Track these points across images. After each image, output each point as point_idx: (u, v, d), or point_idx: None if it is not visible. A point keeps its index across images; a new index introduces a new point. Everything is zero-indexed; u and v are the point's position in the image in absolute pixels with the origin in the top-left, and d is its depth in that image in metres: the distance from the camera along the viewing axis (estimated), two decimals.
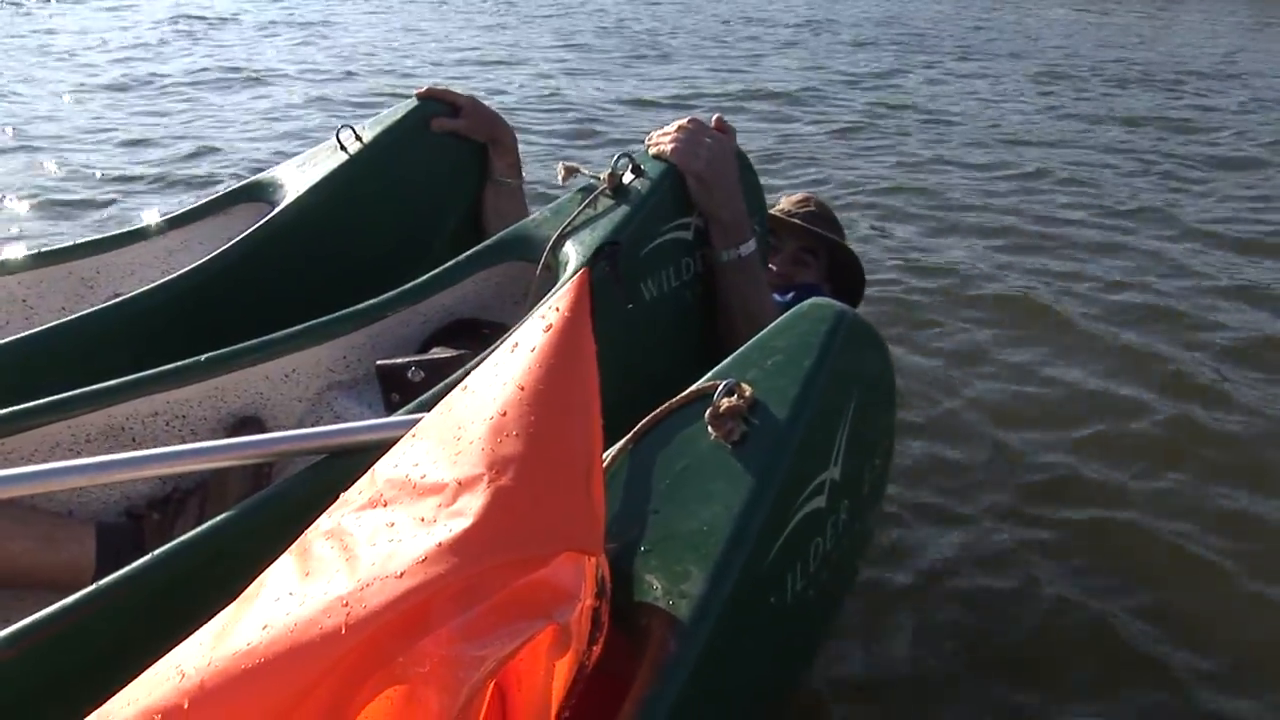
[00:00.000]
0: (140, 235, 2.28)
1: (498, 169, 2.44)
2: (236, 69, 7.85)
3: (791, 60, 8.47)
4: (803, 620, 1.33)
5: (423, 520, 0.93)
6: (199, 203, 2.39)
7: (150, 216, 3.56)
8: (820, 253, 2.47)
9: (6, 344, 1.81)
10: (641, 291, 1.83)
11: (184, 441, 1.70)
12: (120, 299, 1.97)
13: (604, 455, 1.24)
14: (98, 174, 4.98)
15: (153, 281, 2.05)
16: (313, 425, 1.82)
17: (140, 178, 4.93)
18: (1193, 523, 2.33)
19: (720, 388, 1.22)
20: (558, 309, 1.01)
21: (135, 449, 1.62)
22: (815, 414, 1.25)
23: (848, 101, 6.90)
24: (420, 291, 1.88)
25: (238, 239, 2.15)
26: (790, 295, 2.31)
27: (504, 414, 0.95)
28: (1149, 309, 3.50)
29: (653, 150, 1.95)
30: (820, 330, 1.32)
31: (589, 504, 0.96)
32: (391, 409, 1.75)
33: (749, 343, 1.35)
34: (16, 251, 2.30)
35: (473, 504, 0.91)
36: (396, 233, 2.33)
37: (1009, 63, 8.77)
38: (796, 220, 2.45)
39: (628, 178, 1.91)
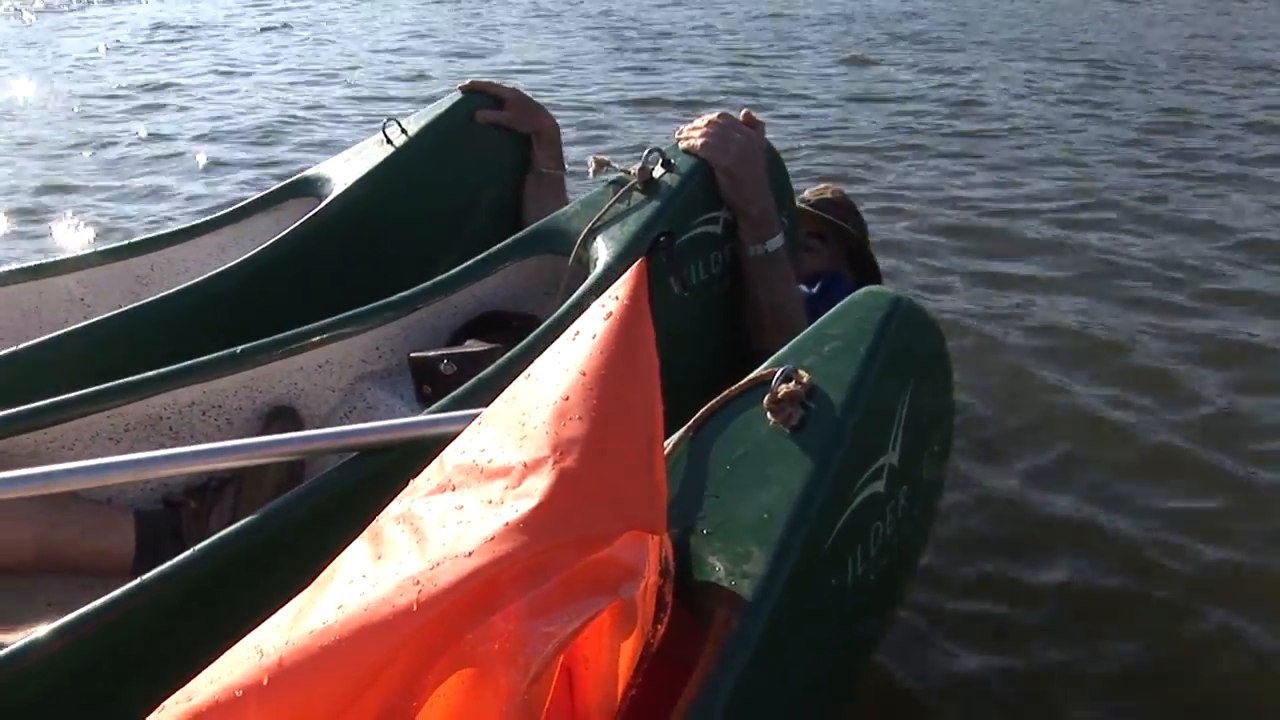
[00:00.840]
0: (193, 233, 2.34)
1: (540, 160, 2.47)
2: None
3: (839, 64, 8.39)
4: (864, 605, 1.34)
5: (490, 502, 0.96)
6: (249, 199, 2.46)
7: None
8: (829, 238, 2.47)
9: (66, 334, 1.88)
10: (671, 285, 1.86)
11: (220, 430, 1.76)
12: (172, 291, 2.03)
13: (666, 443, 1.26)
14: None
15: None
16: (345, 415, 1.87)
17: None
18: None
19: (779, 374, 1.23)
20: (617, 297, 1.03)
21: (172, 438, 1.69)
22: (872, 399, 1.27)
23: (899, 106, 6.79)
24: (452, 284, 1.92)
25: (283, 234, 2.20)
26: (817, 287, 2.33)
27: (567, 399, 0.98)
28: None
29: (683, 145, 1.97)
30: (875, 316, 1.34)
31: (651, 484, 0.98)
32: (424, 401, 1.78)
33: (805, 331, 1.36)
34: (73, 251, 2.35)
35: (538, 485, 0.94)
36: (442, 224, 2.37)
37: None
38: (803, 205, 2.45)
39: (658, 172, 1.93)
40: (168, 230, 2.39)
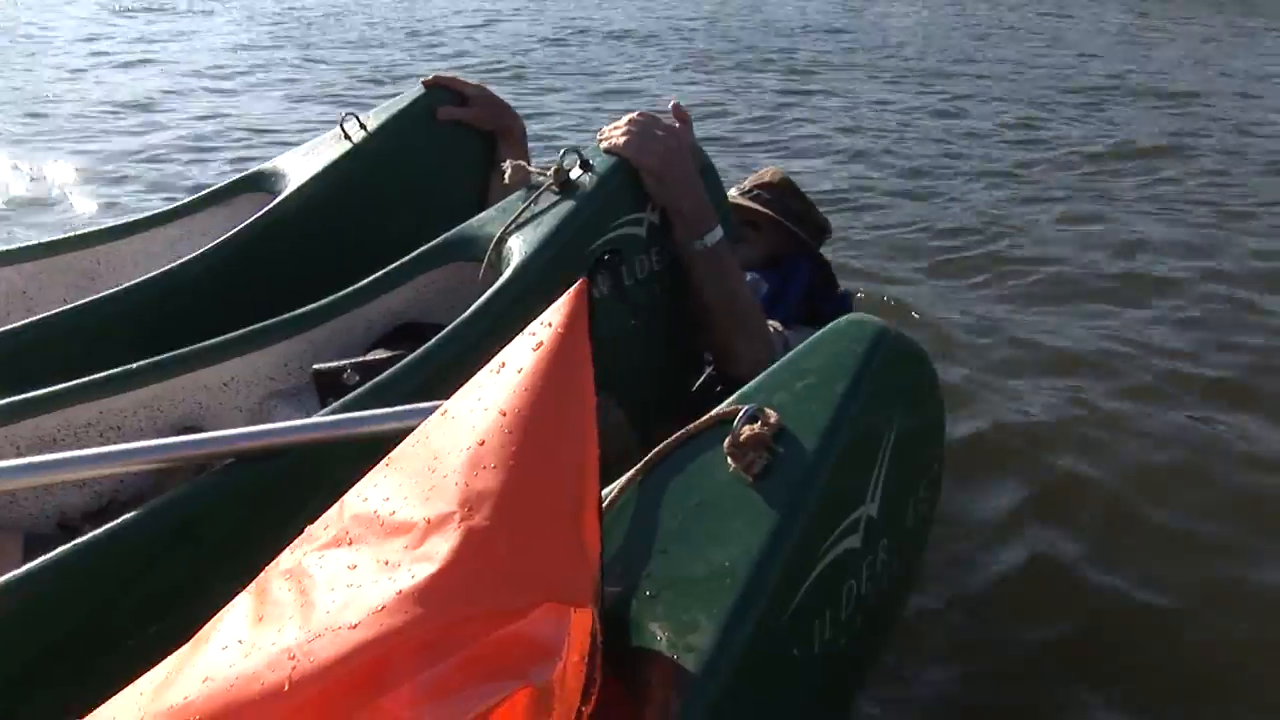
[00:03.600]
0: (142, 226, 2.23)
1: (505, 159, 2.34)
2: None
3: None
4: (833, 672, 1.20)
5: (386, 563, 0.82)
6: (201, 193, 2.34)
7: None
8: (762, 225, 2.38)
9: (7, 332, 1.76)
10: (629, 300, 1.76)
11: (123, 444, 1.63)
12: (119, 289, 1.92)
13: (612, 487, 1.13)
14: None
15: (154, 271, 2.01)
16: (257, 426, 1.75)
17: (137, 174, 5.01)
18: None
19: (742, 413, 1.09)
20: (550, 324, 0.90)
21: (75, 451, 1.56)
22: (849, 444, 1.13)
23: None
24: (363, 295, 1.79)
25: (237, 229, 2.09)
26: (779, 274, 2.27)
27: (482, 444, 0.84)
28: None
29: (603, 144, 1.85)
30: (857, 350, 1.19)
31: (577, 548, 0.85)
32: None
33: (779, 362, 1.22)
34: (17, 242, 2.24)
35: (441, 547, 0.80)
36: (401, 223, 2.24)
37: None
38: (730, 194, 2.35)
39: (575, 173, 1.80)
40: (114, 223, 2.28)
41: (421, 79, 2.36)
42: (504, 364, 0.90)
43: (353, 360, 1.68)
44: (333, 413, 1.43)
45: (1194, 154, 5.57)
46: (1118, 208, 4.58)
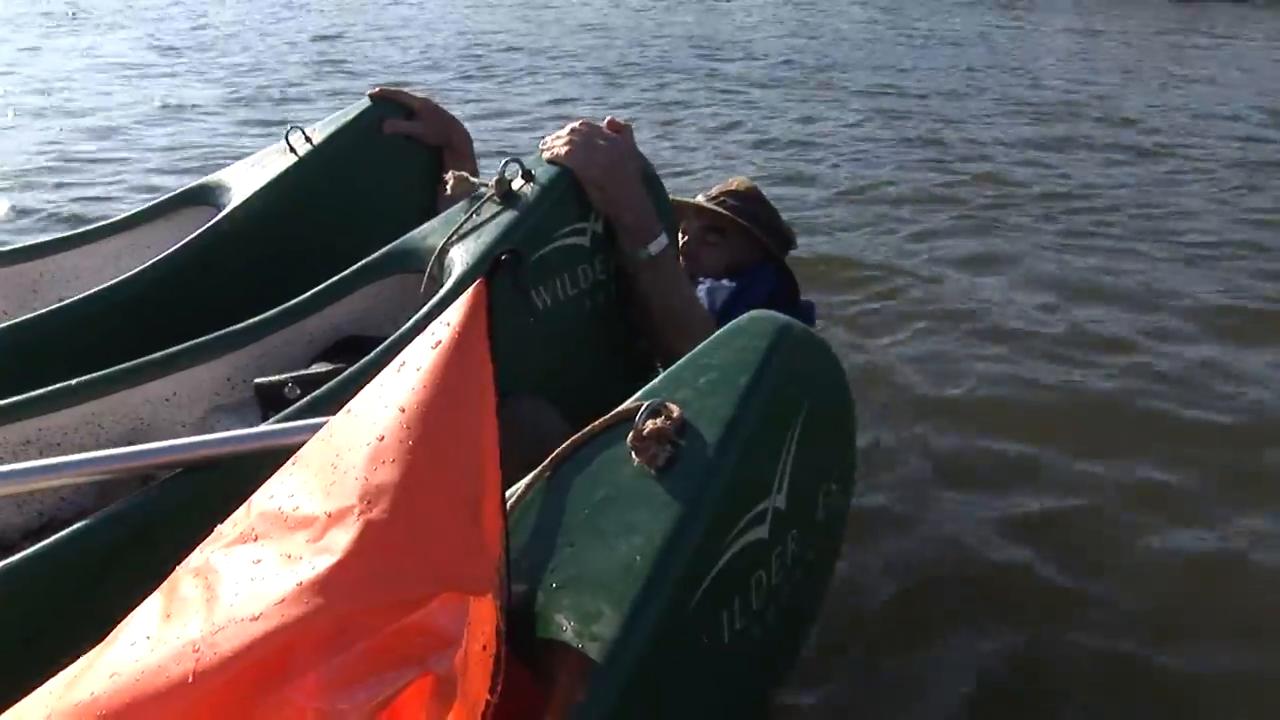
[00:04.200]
0: (85, 239, 2.21)
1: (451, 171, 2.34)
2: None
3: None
4: (746, 660, 1.23)
5: (289, 557, 0.84)
6: (145, 206, 2.33)
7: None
8: (728, 232, 2.39)
9: None
10: (533, 300, 1.75)
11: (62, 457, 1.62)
12: (62, 304, 1.91)
13: (519, 485, 1.15)
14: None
15: (97, 286, 1.99)
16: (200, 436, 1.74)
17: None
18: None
19: (644, 409, 1.12)
20: (449, 324, 0.92)
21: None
22: (752, 436, 1.16)
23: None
24: (305, 308, 1.79)
25: (183, 243, 2.08)
26: (740, 279, 2.26)
27: (381, 439, 0.87)
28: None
29: (546, 154, 1.87)
30: (759, 345, 1.22)
31: (476, 539, 0.87)
32: None
33: (681, 360, 1.25)
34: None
35: (341, 539, 0.82)
36: (347, 237, 2.22)
37: None
38: (697, 200, 2.38)
39: (517, 183, 1.82)
40: (57, 236, 2.26)
41: (368, 92, 2.36)
42: (404, 362, 0.93)
43: (294, 374, 1.68)
44: (277, 423, 1.43)
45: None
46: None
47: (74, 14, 10.26)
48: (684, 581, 1.06)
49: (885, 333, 3.34)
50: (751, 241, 2.37)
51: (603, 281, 1.87)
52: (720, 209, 2.38)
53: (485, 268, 1.66)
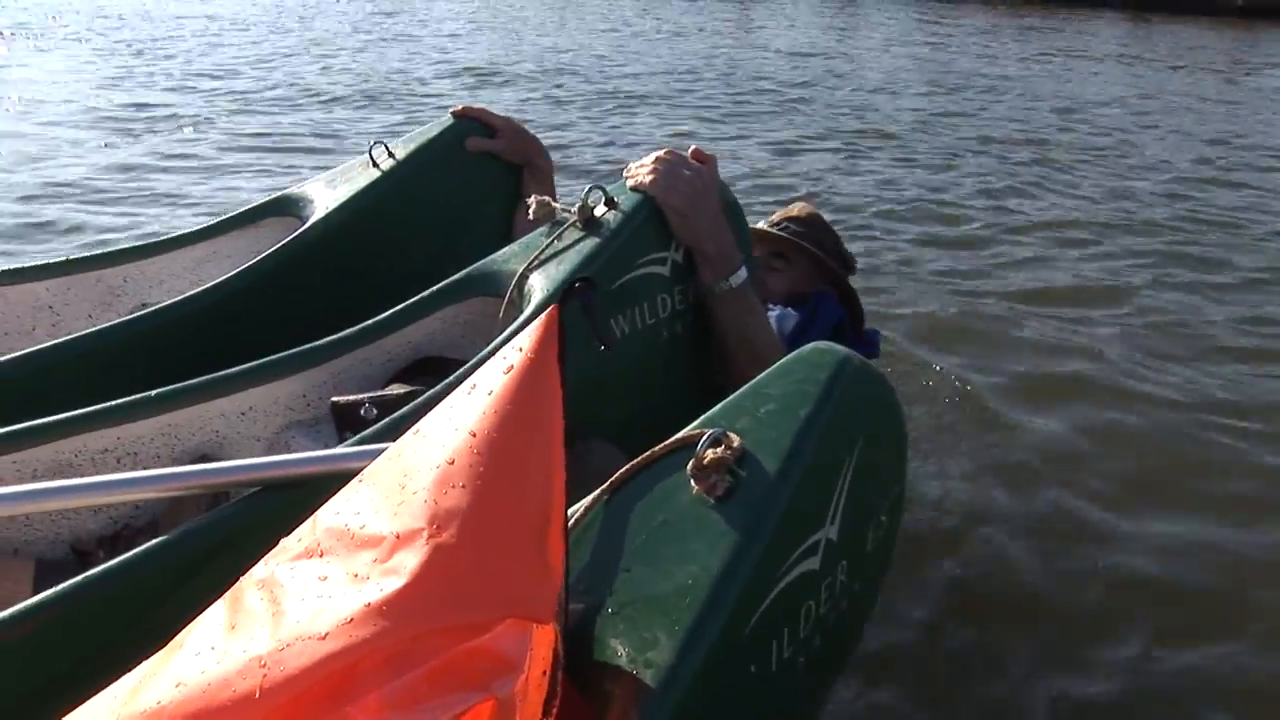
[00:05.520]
0: (168, 245, 2.23)
1: (531, 192, 2.33)
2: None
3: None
4: (792, 688, 1.23)
5: (356, 576, 0.85)
6: (229, 215, 2.35)
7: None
8: (791, 257, 2.38)
9: (32, 353, 1.77)
10: (612, 329, 1.73)
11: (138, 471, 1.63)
12: (145, 311, 1.93)
13: (578, 506, 1.16)
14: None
15: (180, 292, 2.02)
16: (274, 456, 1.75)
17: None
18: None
19: (705, 437, 1.12)
20: (521, 349, 0.93)
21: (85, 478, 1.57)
22: (809, 467, 1.16)
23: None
24: (383, 328, 1.79)
25: (266, 253, 2.10)
26: (805, 309, 2.24)
27: (451, 463, 0.87)
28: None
29: (630, 182, 1.85)
30: (819, 376, 1.23)
31: (541, 565, 0.88)
32: None
33: (743, 388, 1.25)
34: (44, 257, 2.25)
35: (408, 561, 0.83)
36: (426, 253, 2.25)
37: None
38: (760, 226, 2.38)
39: (600, 210, 1.80)
40: (141, 242, 2.29)
41: (450, 109, 2.38)
42: (475, 386, 0.93)
43: (371, 394, 1.68)
44: (353, 445, 1.44)
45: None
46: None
47: None
48: (738, 611, 1.06)
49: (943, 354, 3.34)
50: (815, 266, 2.37)
51: (681, 311, 1.86)
52: (784, 234, 2.37)
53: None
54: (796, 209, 2.52)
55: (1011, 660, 1.98)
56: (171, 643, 0.91)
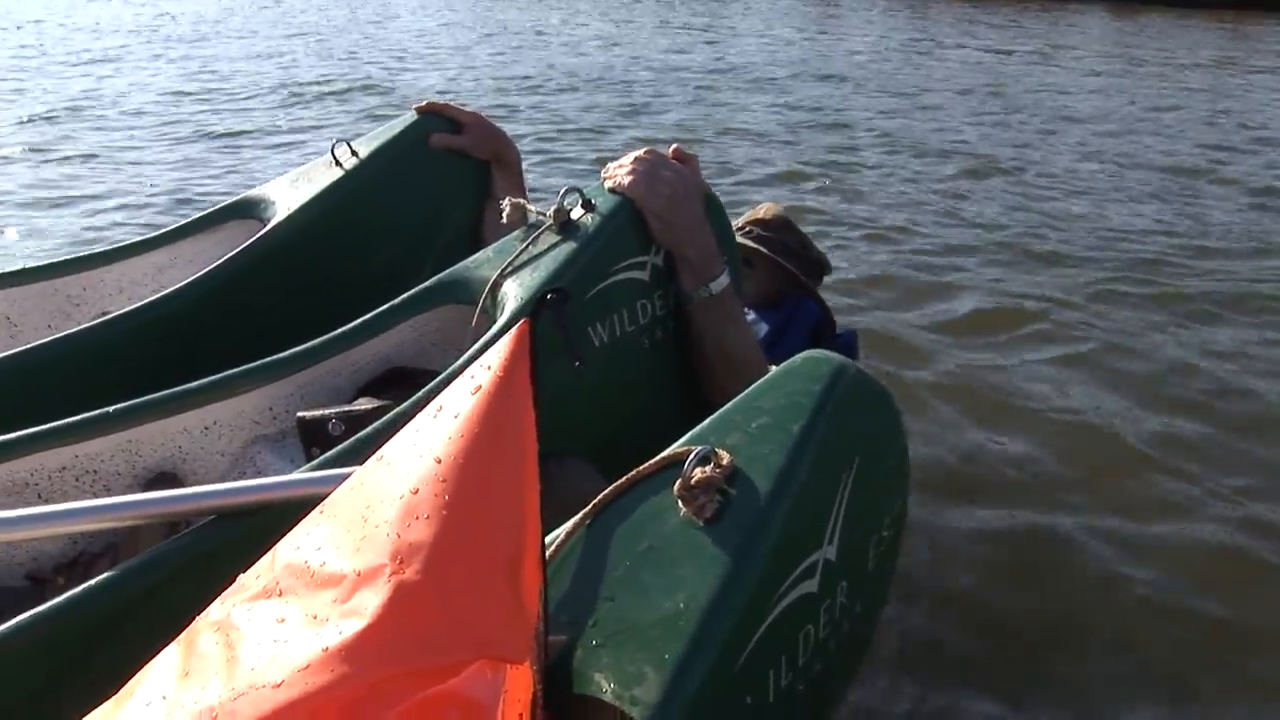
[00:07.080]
0: (128, 252, 2.18)
1: (500, 189, 2.27)
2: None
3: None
4: (790, 717, 1.17)
5: (315, 618, 0.79)
6: (188, 219, 2.29)
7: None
8: (757, 262, 2.31)
9: None
10: (590, 337, 1.66)
11: (95, 499, 1.57)
12: (107, 318, 1.87)
13: (558, 532, 1.09)
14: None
15: (141, 299, 1.95)
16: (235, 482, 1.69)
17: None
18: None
19: (693, 455, 1.06)
20: (489, 367, 0.87)
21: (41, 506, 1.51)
22: (805, 486, 1.10)
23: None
24: (351, 338, 1.72)
25: (228, 257, 2.04)
26: (783, 311, 2.20)
27: (416, 492, 0.81)
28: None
29: (608, 184, 1.78)
30: (814, 388, 1.16)
31: (514, 601, 0.81)
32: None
33: (734, 401, 1.19)
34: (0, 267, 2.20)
35: (370, 601, 0.77)
36: (393, 252, 2.20)
37: None
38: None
39: (577, 213, 1.73)
40: (100, 249, 2.23)
41: (414, 105, 2.31)
42: (441, 408, 0.87)
43: (338, 409, 1.62)
44: (317, 466, 1.38)
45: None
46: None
47: None
48: (731, 640, 1.00)
49: (927, 361, 3.29)
50: (782, 272, 2.31)
51: (662, 317, 1.79)
52: (747, 240, 2.31)
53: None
54: (763, 210, 2.46)
55: (995, 673, 1.96)
56: (123, 690, 0.85)
